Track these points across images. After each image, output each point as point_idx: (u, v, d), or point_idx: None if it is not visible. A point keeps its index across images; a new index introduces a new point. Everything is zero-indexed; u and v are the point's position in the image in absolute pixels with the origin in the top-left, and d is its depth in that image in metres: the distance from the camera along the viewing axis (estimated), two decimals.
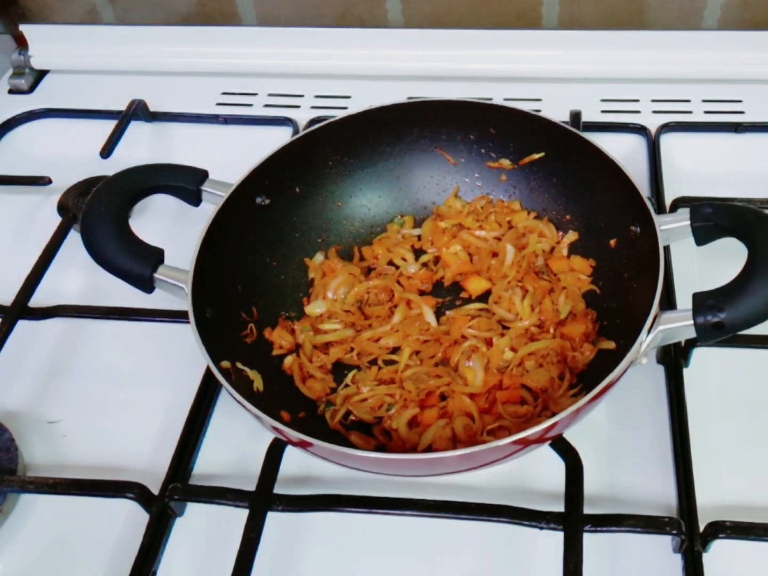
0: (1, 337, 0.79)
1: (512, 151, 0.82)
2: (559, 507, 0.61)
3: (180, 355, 0.78)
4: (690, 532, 0.61)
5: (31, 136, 1.07)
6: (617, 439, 0.69)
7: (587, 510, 0.61)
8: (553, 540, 0.60)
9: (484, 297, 0.78)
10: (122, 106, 1.03)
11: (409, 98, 0.86)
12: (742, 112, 0.97)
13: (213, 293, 0.69)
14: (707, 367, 0.73)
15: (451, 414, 0.68)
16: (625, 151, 0.95)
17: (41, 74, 1.15)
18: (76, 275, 0.87)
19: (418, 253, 0.83)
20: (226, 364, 0.66)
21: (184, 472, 0.69)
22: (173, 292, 0.68)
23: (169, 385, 0.77)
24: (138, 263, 0.68)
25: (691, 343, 0.71)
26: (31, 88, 1.13)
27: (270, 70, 1.09)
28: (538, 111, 0.83)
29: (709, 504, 0.64)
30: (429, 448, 0.66)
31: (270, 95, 1.07)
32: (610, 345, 0.71)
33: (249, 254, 0.77)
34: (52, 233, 0.88)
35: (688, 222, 0.65)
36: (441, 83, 1.04)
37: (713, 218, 0.63)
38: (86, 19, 1.13)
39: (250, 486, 0.65)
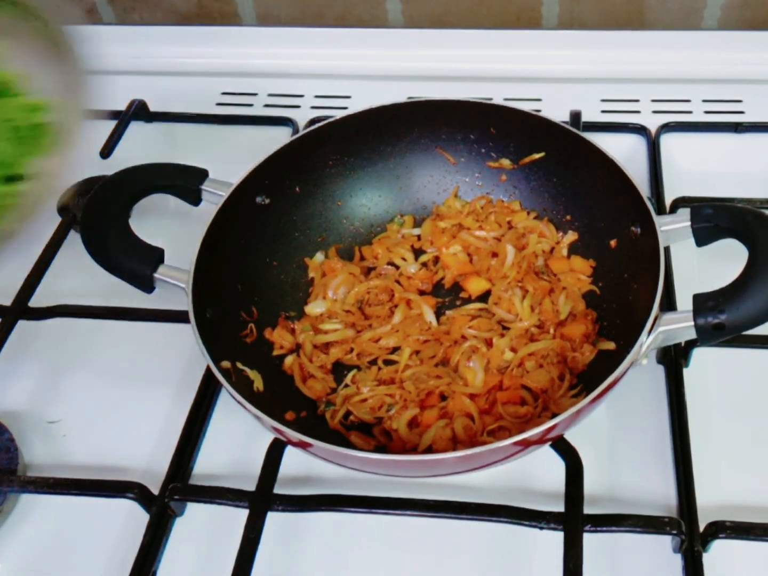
0: (1, 337, 0.79)
1: (512, 151, 0.82)
2: (559, 507, 0.62)
3: (180, 355, 0.78)
4: (690, 532, 0.61)
5: None
6: (617, 439, 0.69)
7: (587, 510, 0.61)
8: (553, 540, 0.60)
9: (484, 297, 0.78)
10: (122, 106, 1.03)
11: (409, 98, 0.86)
12: (742, 112, 0.97)
13: (213, 293, 0.69)
14: (707, 367, 0.73)
15: (451, 414, 0.68)
16: (625, 151, 0.94)
17: None
18: (76, 275, 0.87)
19: (417, 252, 0.83)
20: (226, 364, 0.66)
21: (184, 472, 0.69)
22: (173, 292, 0.68)
23: (169, 385, 0.77)
24: (138, 263, 0.68)
25: (691, 344, 0.71)
26: None
27: (270, 70, 1.09)
28: (538, 111, 0.83)
29: (709, 504, 0.64)
30: (429, 449, 0.66)
31: (270, 95, 1.07)
32: (610, 346, 0.71)
33: (249, 254, 0.77)
34: (52, 233, 0.88)
35: (689, 223, 0.65)
36: (441, 83, 1.04)
37: (713, 219, 0.63)
38: (86, 19, 1.13)
39: (250, 486, 0.65)
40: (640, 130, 0.96)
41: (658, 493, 0.65)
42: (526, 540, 0.63)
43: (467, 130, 0.83)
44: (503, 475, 0.67)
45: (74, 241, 0.85)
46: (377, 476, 0.64)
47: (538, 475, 0.67)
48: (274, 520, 0.64)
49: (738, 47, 0.98)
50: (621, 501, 0.65)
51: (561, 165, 0.80)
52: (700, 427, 0.68)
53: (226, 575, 0.60)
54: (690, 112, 0.98)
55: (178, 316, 0.78)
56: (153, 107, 1.05)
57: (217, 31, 1.08)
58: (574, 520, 0.60)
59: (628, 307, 0.69)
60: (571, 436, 0.64)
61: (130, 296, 0.73)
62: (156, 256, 0.68)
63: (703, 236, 0.65)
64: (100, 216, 0.70)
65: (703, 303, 0.59)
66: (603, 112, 0.99)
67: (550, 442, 0.63)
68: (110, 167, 0.79)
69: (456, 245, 0.81)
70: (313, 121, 1.00)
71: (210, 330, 0.65)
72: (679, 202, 0.85)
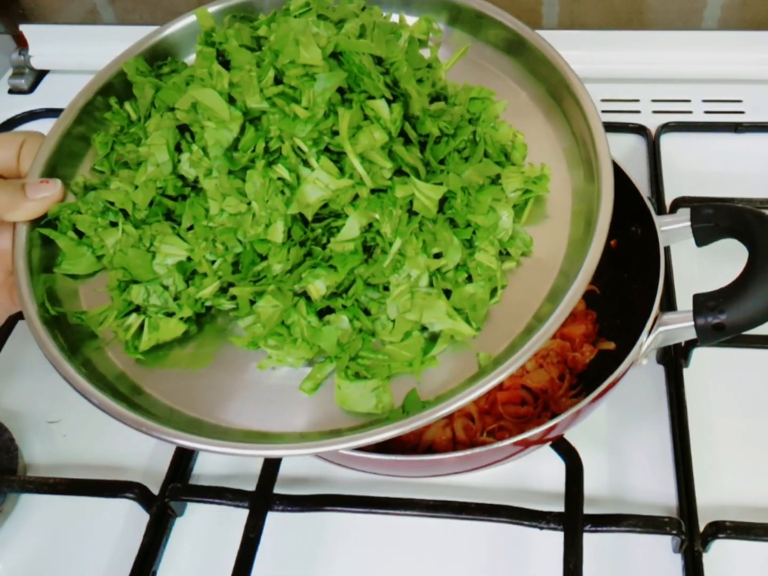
0: (1, 338, 0.79)
1: None
2: (559, 507, 0.62)
3: None
4: (690, 532, 0.61)
5: None
6: (617, 439, 0.69)
7: (587, 510, 0.61)
8: (553, 540, 0.60)
9: None
10: None
11: None
12: (742, 112, 0.97)
13: None
14: (707, 367, 0.73)
15: (451, 414, 0.68)
16: (625, 151, 0.95)
17: (41, 74, 1.15)
18: None
19: None
20: None
21: (184, 472, 0.69)
22: None
23: None
24: None
25: (692, 344, 0.71)
26: (31, 88, 1.13)
27: None
28: None
29: (709, 504, 0.64)
30: (429, 449, 0.66)
31: None
32: (610, 346, 0.71)
33: None
34: None
35: (689, 223, 0.65)
36: None
37: (713, 219, 0.63)
38: (86, 19, 1.13)
39: (250, 486, 0.65)
40: (640, 130, 0.96)
41: (658, 493, 0.65)
42: (526, 540, 0.63)
43: None
44: (503, 475, 0.67)
45: None
46: (377, 476, 0.64)
47: (538, 475, 0.67)
48: (274, 520, 0.64)
49: (738, 47, 0.98)
50: (621, 501, 0.65)
51: None
52: (700, 427, 0.68)
53: (226, 575, 0.60)
54: (690, 112, 0.98)
55: None
56: None
57: None
58: (574, 520, 0.60)
59: (628, 307, 0.69)
60: (571, 436, 0.64)
61: None
62: None
63: (703, 236, 0.65)
64: None
65: (703, 303, 0.59)
66: (603, 111, 0.99)
67: (550, 442, 0.63)
68: None
69: None
70: None
71: None
72: (679, 202, 0.85)
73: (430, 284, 0.52)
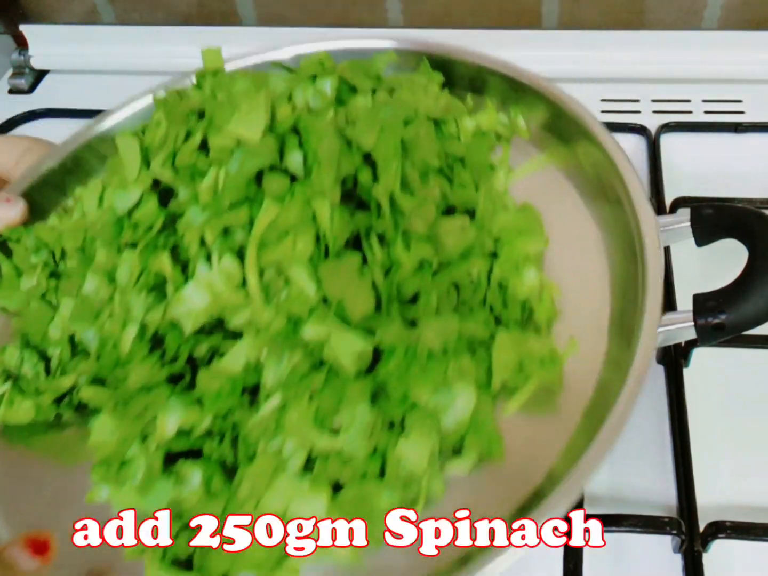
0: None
1: None
2: None
3: None
4: (690, 532, 0.61)
5: None
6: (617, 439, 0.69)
7: (587, 510, 0.61)
8: None
9: None
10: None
11: None
12: (742, 112, 0.97)
13: None
14: (707, 367, 0.73)
15: None
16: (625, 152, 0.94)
17: (41, 74, 1.14)
18: None
19: None
20: None
21: None
22: None
23: None
24: None
25: (692, 344, 0.71)
26: (31, 88, 1.13)
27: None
28: None
29: (709, 504, 0.64)
30: None
31: None
32: None
33: None
34: None
35: (689, 223, 0.65)
36: None
37: (714, 219, 0.63)
38: (86, 19, 1.13)
39: None
40: (640, 130, 0.95)
41: (658, 493, 0.65)
42: None
43: None
44: None
45: None
46: None
47: None
48: None
49: (738, 47, 0.98)
50: (621, 501, 0.65)
51: None
52: (700, 427, 0.68)
53: None
54: (690, 112, 0.98)
55: None
56: None
57: (217, 31, 1.08)
58: None
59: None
60: None
61: None
62: None
63: (703, 236, 0.65)
64: None
65: (703, 303, 0.59)
66: (603, 112, 0.99)
67: None
68: None
69: None
70: None
71: None
72: (679, 202, 0.85)
73: (308, 469, 0.37)
